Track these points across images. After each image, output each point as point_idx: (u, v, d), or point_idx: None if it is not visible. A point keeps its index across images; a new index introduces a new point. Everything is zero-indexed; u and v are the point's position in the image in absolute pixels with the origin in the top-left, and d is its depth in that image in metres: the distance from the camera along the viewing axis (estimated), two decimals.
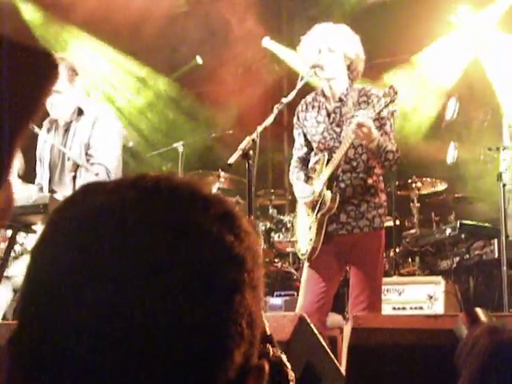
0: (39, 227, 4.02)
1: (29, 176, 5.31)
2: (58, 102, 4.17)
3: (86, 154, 4.15)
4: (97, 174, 3.98)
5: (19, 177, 5.49)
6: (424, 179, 6.43)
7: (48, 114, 4.40)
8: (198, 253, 0.71)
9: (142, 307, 0.67)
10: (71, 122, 4.27)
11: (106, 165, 4.12)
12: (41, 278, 0.72)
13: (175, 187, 0.76)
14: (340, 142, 3.80)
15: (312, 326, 3.00)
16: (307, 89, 4.06)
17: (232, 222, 0.76)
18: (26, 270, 0.74)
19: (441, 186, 6.54)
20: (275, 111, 3.73)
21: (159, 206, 0.73)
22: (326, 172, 3.80)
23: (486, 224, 5.86)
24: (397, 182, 6.37)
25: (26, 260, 4.80)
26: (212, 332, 0.70)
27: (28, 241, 4.57)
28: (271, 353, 0.95)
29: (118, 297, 0.68)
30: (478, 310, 1.87)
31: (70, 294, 0.69)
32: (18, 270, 4.83)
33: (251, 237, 0.77)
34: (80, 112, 4.25)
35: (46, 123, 4.41)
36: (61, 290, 0.69)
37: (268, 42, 8.28)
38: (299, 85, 3.85)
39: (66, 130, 4.28)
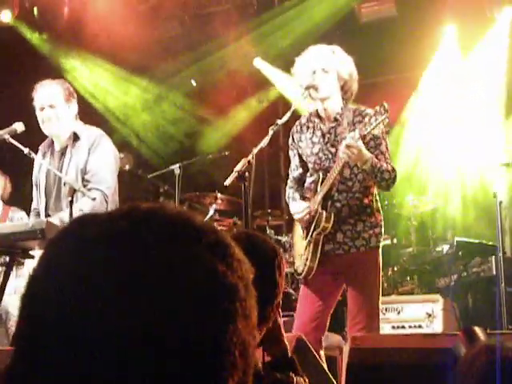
0: (36, 252, 4.02)
1: (16, 200, 5.31)
2: (51, 117, 4.19)
3: (83, 179, 4.15)
4: (94, 199, 3.98)
5: (2, 200, 5.49)
6: (421, 197, 6.44)
7: (42, 140, 4.42)
8: (189, 283, 0.71)
9: (133, 339, 0.68)
10: (67, 146, 4.28)
11: (103, 189, 4.13)
12: (34, 309, 0.73)
13: (167, 218, 0.77)
14: (335, 162, 3.81)
15: (310, 346, 2.99)
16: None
17: (224, 252, 0.77)
18: (20, 301, 0.75)
19: (437, 204, 6.56)
20: (270, 133, 3.76)
21: (150, 238, 0.73)
22: (321, 192, 3.82)
23: (483, 241, 5.86)
24: (394, 201, 6.38)
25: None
26: (205, 362, 0.70)
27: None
28: (295, 382, 0.96)
29: (107, 329, 0.68)
30: (477, 329, 1.87)
31: (62, 328, 0.69)
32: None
33: (244, 265, 0.78)
34: (76, 137, 4.26)
35: (41, 148, 4.42)
36: (52, 323, 0.70)
37: (259, 63, 8.33)
38: (294, 106, 3.89)
39: (62, 155, 4.29)
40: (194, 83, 8.53)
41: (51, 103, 4.19)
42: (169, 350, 0.69)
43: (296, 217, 4.01)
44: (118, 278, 0.70)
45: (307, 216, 3.89)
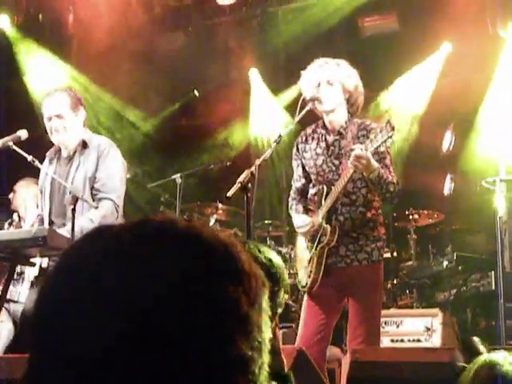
0: (37, 260, 4.03)
1: None
2: (59, 127, 4.18)
3: (92, 187, 4.14)
4: (96, 208, 3.99)
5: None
6: (421, 211, 6.45)
7: (49, 147, 4.43)
8: (188, 303, 0.71)
9: (129, 361, 0.69)
10: (75, 153, 4.27)
11: (114, 199, 4.11)
12: (42, 319, 0.74)
13: (177, 234, 0.77)
14: (338, 175, 3.82)
15: (311, 359, 3.00)
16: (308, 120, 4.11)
17: (232, 268, 0.76)
18: (33, 310, 0.76)
19: (438, 218, 6.57)
20: (273, 145, 3.77)
21: (159, 254, 0.73)
22: (325, 205, 3.82)
23: (483, 256, 5.87)
24: (394, 214, 6.39)
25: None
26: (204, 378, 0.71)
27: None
28: None
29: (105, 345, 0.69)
30: (475, 340, 1.88)
31: (66, 338, 0.70)
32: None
33: (253, 279, 0.78)
34: (84, 145, 4.25)
35: (48, 154, 4.41)
36: (57, 333, 0.71)
37: (254, 74, 8.38)
38: (297, 118, 3.90)
39: (69, 161, 4.27)
40: (196, 93, 8.56)
41: (58, 113, 4.18)
42: (171, 362, 0.69)
43: (299, 231, 4.01)
44: (118, 294, 0.71)
45: (311, 230, 3.90)
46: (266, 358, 0.79)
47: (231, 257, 0.77)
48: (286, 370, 2.04)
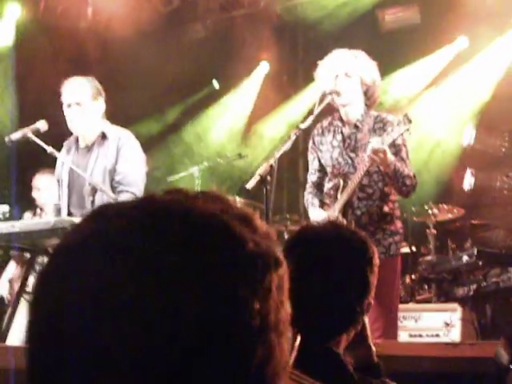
0: None
1: None
2: (78, 116, 4.17)
3: (112, 180, 4.12)
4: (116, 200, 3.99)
5: None
6: (440, 206, 6.39)
7: (67, 135, 4.42)
8: (184, 293, 0.68)
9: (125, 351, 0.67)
10: (93, 144, 4.25)
11: (134, 192, 4.09)
12: (42, 305, 0.72)
13: (167, 212, 0.73)
14: (354, 168, 3.79)
15: None
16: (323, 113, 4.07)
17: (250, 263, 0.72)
18: (31, 297, 0.75)
19: (457, 213, 6.50)
20: (292, 137, 3.73)
21: (149, 235, 0.70)
22: (342, 199, 3.79)
23: (503, 251, 5.80)
24: (413, 209, 6.34)
25: None
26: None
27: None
28: None
29: (105, 330, 0.67)
30: None
31: (65, 323, 0.68)
32: None
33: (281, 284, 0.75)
34: (104, 136, 4.23)
35: (65, 144, 4.40)
36: (55, 318, 0.69)
37: (265, 66, 8.38)
38: (316, 110, 3.86)
39: (88, 152, 4.25)
40: (216, 85, 8.55)
41: (78, 101, 4.17)
42: (190, 351, 0.67)
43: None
44: (122, 278, 0.68)
45: None
46: (283, 345, 0.75)
47: (228, 236, 0.72)
48: (375, 359, 1.93)
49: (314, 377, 1.40)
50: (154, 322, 0.66)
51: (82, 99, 4.18)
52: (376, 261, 1.80)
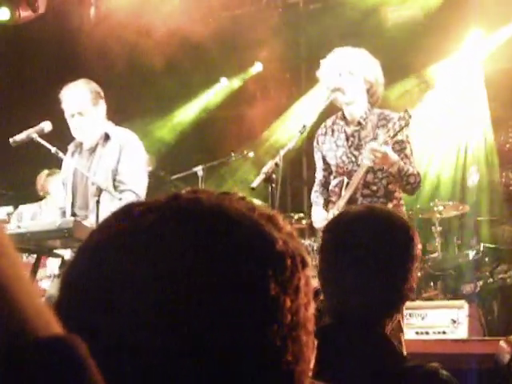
0: (62, 251, 4.04)
1: None
2: (82, 125, 4.18)
3: (115, 179, 4.13)
4: (120, 200, 3.98)
5: None
6: (446, 202, 6.38)
7: (71, 139, 4.43)
8: (212, 292, 0.68)
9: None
10: (97, 145, 4.26)
11: (136, 191, 4.10)
12: (66, 305, 0.71)
13: (199, 212, 0.73)
14: (358, 166, 3.79)
15: None
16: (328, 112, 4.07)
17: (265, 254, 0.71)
18: (55, 298, 0.74)
19: (463, 209, 6.49)
20: (298, 135, 3.73)
21: (179, 234, 0.70)
22: (345, 196, 3.79)
23: (510, 247, 5.79)
24: (418, 206, 6.33)
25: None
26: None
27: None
28: None
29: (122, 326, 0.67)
30: None
31: (88, 322, 0.68)
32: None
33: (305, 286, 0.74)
34: (106, 137, 4.24)
35: (70, 147, 4.41)
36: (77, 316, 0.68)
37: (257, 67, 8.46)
38: (320, 108, 3.86)
39: (91, 154, 4.27)
40: (225, 82, 8.58)
41: (79, 110, 4.17)
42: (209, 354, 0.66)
43: (316, 226, 4.00)
44: (142, 279, 0.68)
45: None
46: (311, 344, 0.75)
47: (259, 234, 0.72)
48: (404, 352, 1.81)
49: (364, 363, 1.40)
50: (185, 322, 0.66)
51: (83, 108, 4.17)
52: (417, 243, 1.77)
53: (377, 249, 1.67)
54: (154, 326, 0.66)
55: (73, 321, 0.67)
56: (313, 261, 6.06)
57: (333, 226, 1.79)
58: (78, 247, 0.75)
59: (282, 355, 0.70)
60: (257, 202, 6.10)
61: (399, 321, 1.79)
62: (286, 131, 8.21)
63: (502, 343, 1.77)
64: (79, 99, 4.19)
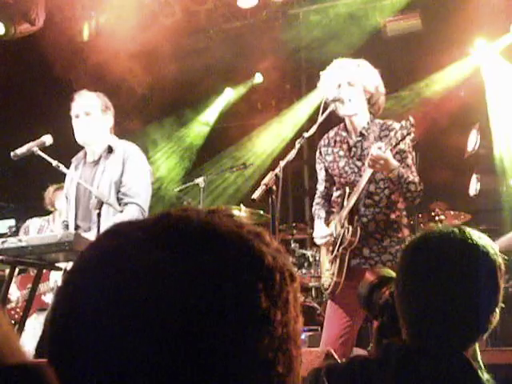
0: (63, 265, 4.04)
1: None
2: (86, 126, 4.22)
3: (118, 192, 4.14)
4: (130, 213, 4.01)
5: None
6: (447, 212, 6.38)
7: (73, 153, 4.45)
8: (206, 308, 0.69)
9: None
10: (100, 158, 4.29)
11: (140, 203, 4.12)
12: (60, 317, 0.72)
13: (189, 230, 0.74)
14: (361, 176, 3.79)
15: (339, 361, 2.96)
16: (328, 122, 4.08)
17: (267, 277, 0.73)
18: (50, 309, 0.75)
19: (464, 219, 6.48)
20: (297, 146, 3.73)
21: (169, 252, 0.71)
22: (347, 206, 3.79)
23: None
24: (420, 215, 6.33)
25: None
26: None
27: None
28: None
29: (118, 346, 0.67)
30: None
31: (79, 337, 0.68)
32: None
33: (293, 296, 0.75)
34: (110, 150, 4.27)
35: (73, 160, 4.44)
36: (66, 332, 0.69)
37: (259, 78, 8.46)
38: (320, 119, 3.86)
39: (95, 166, 4.29)
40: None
41: (87, 111, 4.23)
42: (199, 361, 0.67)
43: (317, 242, 3.99)
44: (128, 297, 0.69)
45: (328, 243, 3.88)
46: (299, 358, 0.76)
47: (249, 250, 0.73)
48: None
49: None
50: (175, 338, 0.67)
51: (91, 110, 4.25)
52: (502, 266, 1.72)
53: (468, 274, 1.63)
54: (144, 343, 0.67)
55: (64, 342, 0.68)
56: (315, 272, 6.04)
57: (423, 244, 1.74)
58: (71, 266, 0.76)
59: (273, 367, 0.71)
60: (258, 212, 6.15)
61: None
62: (286, 142, 8.22)
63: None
64: (90, 101, 4.27)
